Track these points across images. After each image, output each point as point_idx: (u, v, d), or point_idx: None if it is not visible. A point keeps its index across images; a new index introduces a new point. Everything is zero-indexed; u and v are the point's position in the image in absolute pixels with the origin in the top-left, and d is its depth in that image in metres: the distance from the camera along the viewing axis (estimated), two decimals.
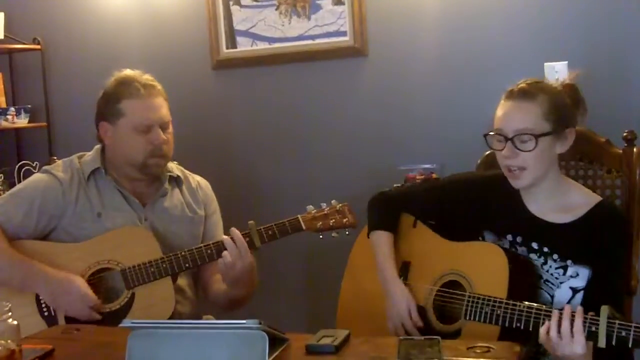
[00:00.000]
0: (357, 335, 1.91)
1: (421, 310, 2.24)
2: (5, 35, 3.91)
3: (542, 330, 1.88)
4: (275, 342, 1.79)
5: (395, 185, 3.11)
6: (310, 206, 2.61)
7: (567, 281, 2.12)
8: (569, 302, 2.10)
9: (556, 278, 2.13)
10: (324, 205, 2.61)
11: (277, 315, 3.50)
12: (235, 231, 2.48)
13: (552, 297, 2.13)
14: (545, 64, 3.11)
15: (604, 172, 2.41)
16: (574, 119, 2.15)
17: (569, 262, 2.12)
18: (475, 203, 2.27)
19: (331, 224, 2.58)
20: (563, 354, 1.85)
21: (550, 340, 1.86)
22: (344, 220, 2.59)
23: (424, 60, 3.38)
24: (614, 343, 1.82)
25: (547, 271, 2.15)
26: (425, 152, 3.34)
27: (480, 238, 2.26)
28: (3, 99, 4.06)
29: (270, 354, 1.69)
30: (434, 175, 3.20)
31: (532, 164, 2.08)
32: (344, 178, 3.49)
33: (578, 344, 1.83)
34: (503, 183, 2.17)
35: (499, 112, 2.13)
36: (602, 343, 1.82)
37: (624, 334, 1.80)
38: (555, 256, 2.14)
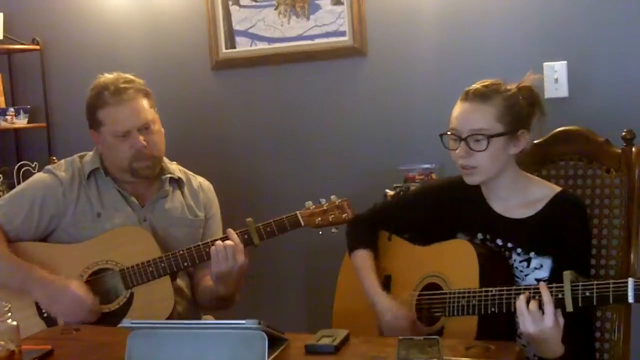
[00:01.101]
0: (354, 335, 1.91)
1: None
2: (4, 36, 3.91)
3: (518, 307, 1.91)
4: (275, 342, 1.79)
5: (395, 185, 3.13)
6: (309, 202, 2.61)
7: (532, 273, 2.16)
8: None
9: (521, 271, 2.18)
10: (322, 200, 2.61)
11: (277, 315, 3.49)
12: (231, 232, 2.49)
13: None
14: (545, 63, 3.12)
15: (603, 171, 2.41)
16: (528, 121, 2.20)
17: (532, 254, 2.17)
18: (444, 208, 2.33)
19: (330, 219, 2.58)
20: (536, 333, 1.89)
21: (529, 317, 1.89)
22: (344, 215, 2.58)
23: (423, 60, 3.38)
24: (580, 304, 1.87)
25: (512, 265, 2.20)
26: (425, 151, 3.33)
27: None
28: (2, 99, 4.06)
29: (269, 354, 1.69)
30: (433, 175, 3.20)
31: (485, 163, 2.15)
32: (343, 178, 3.48)
33: (548, 317, 1.86)
34: (466, 185, 2.23)
35: (455, 112, 2.20)
36: (569, 307, 1.88)
37: (587, 294, 1.86)
38: (518, 250, 2.19)
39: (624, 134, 2.38)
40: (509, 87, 2.18)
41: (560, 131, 2.46)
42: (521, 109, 2.17)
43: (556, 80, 3.10)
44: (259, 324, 1.67)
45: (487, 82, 2.19)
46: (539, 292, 1.90)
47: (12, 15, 4.00)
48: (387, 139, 3.46)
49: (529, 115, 2.19)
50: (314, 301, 3.55)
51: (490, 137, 2.11)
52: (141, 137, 2.55)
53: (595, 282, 1.88)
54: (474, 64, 3.26)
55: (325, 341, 1.84)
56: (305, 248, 3.52)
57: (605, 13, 3.08)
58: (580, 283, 1.88)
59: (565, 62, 3.11)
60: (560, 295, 1.89)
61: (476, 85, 2.19)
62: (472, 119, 2.14)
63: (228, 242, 2.46)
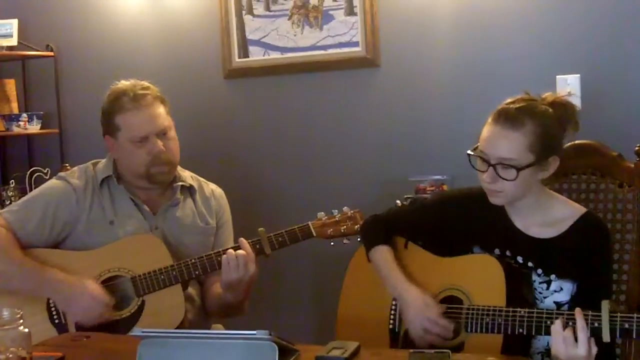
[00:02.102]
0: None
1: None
2: (18, 42, 3.93)
3: (554, 331, 1.88)
4: (285, 353, 1.78)
5: (405, 196, 3.12)
6: (321, 213, 2.61)
7: (551, 296, 2.13)
8: None
9: (540, 292, 2.14)
10: (335, 211, 2.62)
11: (284, 325, 3.49)
12: (243, 241, 2.49)
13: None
14: (558, 76, 3.11)
15: (615, 186, 2.41)
16: (560, 146, 2.13)
17: (552, 276, 2.12)
18: (463, 219, 2.27)
19: (342, 230, 2.59)
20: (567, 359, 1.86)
21: (562, 343, 1.86)
22: (356, 227, 2.59)
23: (435, 71, 3.39)
24: (618, 336, 1.84)
25: (531, 285, 2.15)
26: (436, 163, 3.34)
27: (469, 253, 2.26)
28: (15, 105, 4.08)
29: None
30: (444, 187, 3.20)
31: (511, 189, 2.08)
32: (354, 188, 3.49)
33: (581, 344, 1.83)
34: (488, 199, 2.17)
35: (485, 133, 2.10)
36: (606, 337, 1.84)
37: (627, 325, 1.83)
38: (539, 271, 2.14)
39: (637, 148, 2.37)
40: (543, 107, 2.08)
41: (572, 145, 2.45)
42: (554, 134, 2.08)
43: (569, 93, 3.09)
44: (270, 334, 1.67)
45: (520, 101, 2.09)
46: (574, 318, 1.87)
47: (26, 22, 4.03)
48: (399, 150, 3.46)
49: (561, 140, 2.12)
50: (322, 311, 3.55)
51: (519, 169, 2.03)
52: (159, 142, 2.57)
53: (636, 315, 1.83)
54: (486, 76, 3.27)
55: (336, 353, 1.83)
56: (313, 257, 3.52)
57: (618, 26, 3.08)
58: (619, 314, 1.84)
59: (579, 75, 3.11)
60: (596, 324, 1.85)
61: (508, 106, 2.08)
62: (502, 146, 2.04)
63: (240, 251, 2.46)
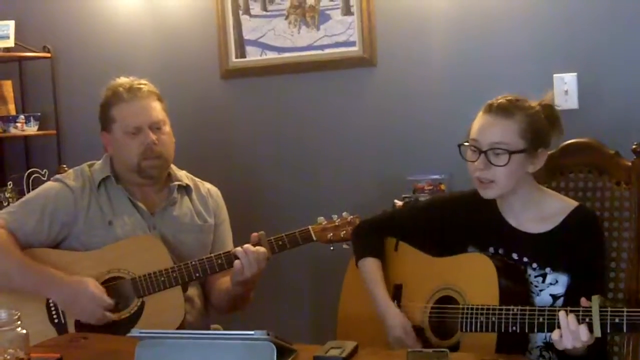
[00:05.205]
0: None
1: (419, 330, 2.23)
2: (15, 43, 3.92)
3: (555, 336, 1.89)
4: (283, 353, 1.79)
5: (403, 195, 3.13)
6: (321, 217, 2.62)
7: (547, 288, 2.15)
8: None
9: (535, 286, 2.16)
10: (335, 216, 2.62)
11: (283, 324, 3.49)
12: (247, 246, 2.50)
13: (533, 304, 2.15)
14: (555, 75, 3.12)
15: (612, 184, 2.41)
16: (548, 140, 2.18)
17: (547, 269, 2.15)
18: (456, 220, 2.30)
19: (342, 235, 2.60)
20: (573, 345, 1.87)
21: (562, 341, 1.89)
22: None
23: (432, 71, 3.38)
24: (609, 331, 1.84)
25: (527, 280, 2.17)
26: (434, 162, 3.33)
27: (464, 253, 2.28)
28: (13, 106, 4.08)
29: None
30: (442, 186, 3.20)
31: (502, 179, 2.12)
32: (352, 188, 3.49)
33: (583, 335, 1.84)
34: (481, 198, 2.20)
35: (476, 124, 2.17)
36: (597, 332, 1.84)
37: (617, 320, 1.83)
38: (534, 265, 2.17)
39: (634, 146, 2.37)
40: (532, 104, 2.16)
41: (570, 143, 2.45)
42: (543, 127, 2.15)
43: (566, 92, 3.10)
44: (268, 334, 1.67)
45: (510, 96, 2.17)
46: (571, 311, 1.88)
47: (23, 23, 4.02)
48: (396, 149, 3.46)
49: (549, 134, 2.17)
50: (321, 312, 3.55)
51: (511, 153, 2.09)
52: (152, 135, 2.58)
53: (626, 309, 1.83)
54: (483, 75, 3.27)
55: (334, 353, 1.83)
56: (312, 260, 3.52)
57: (615, 25, 3.08)
58: (610, 309, 1.84)
59: (575, 74, 3.11)
60: (587, 320, 1.85)
61: (500, 99, 2.16)
62: (494, 132, 2.12)
63: (259, 247, 2.49)
